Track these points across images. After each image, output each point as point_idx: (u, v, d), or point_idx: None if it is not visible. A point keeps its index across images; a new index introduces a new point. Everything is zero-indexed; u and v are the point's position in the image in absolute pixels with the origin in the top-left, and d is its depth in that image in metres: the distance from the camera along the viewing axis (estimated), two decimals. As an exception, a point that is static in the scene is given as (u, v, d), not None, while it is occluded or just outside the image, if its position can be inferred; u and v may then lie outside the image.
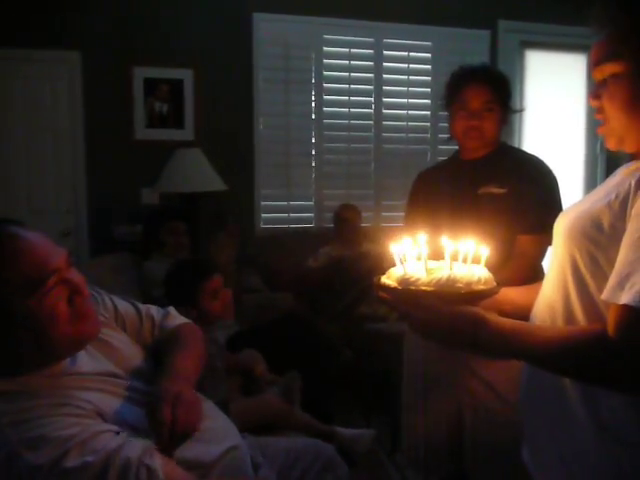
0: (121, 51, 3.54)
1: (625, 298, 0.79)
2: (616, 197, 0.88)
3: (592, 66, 0.95)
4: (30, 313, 0.94)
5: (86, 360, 1.07)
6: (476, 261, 1.05)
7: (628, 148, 0.95)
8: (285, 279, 3.40)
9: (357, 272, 3.28)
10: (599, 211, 0.90)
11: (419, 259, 1.04)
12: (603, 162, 4.36)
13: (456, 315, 0.94)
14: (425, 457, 1.69)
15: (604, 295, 0.84)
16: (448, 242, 1.03)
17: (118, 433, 0.95)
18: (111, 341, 1.17)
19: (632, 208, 0.85)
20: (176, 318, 1.36)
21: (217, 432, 1.21)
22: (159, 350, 1.23)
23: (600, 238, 0.89)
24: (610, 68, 0.90)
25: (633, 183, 0.87)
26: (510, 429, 1.51)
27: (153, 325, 1.30)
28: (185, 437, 1.01)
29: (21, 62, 3.44)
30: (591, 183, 4.41)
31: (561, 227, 1.00)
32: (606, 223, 0.88)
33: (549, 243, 1.56)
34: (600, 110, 0.95)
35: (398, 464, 1.75)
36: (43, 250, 0.97)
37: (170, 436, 0.97)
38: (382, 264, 3.45)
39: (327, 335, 2.89)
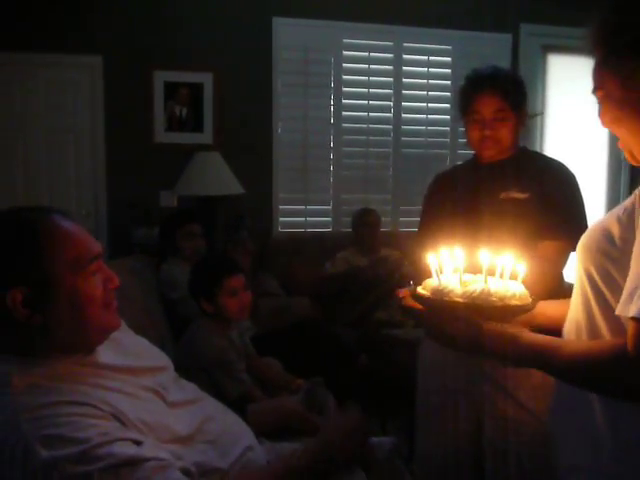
0: (142, 55, 3.58)
1: (632, 310, 0.79)
2: (624, 210, 0.90)
3: None
4: (74, 289, 1.00)
5: (102, 354, 1.09)
6: (513, 277, 1.05)
7: None
8: (302, 283, 3.39)
9: (374, 278, 3.26)
10: (610, 224, 0.92)
11: (455, 272, 1.05)
12: (627, 170, 4.28)
13: (492, 332, 0.98)
14: (441, 468, 1.66)
15: (617, 309, 0.84)
16: (485, 256, 1.04)
17: (139, 443, 0.95)
18: (124, 340, 1.19)
19: (638, 217, 0.85)
20: None
21: (230, 434, 1.21)
22: None
23: (613, 252, 0.89)
24: (598, 94, 0.96)
25: (638, 193, 0.89)
26: (531, 436, 1.48)
27: None
28: None
29: (43, 66, 3.50)
30: (614, 191, 4.33)
31: (578, 245, 1.01)
32: (617, 236, 0.89)
33: (572, 249, 1.54)
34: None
35: (415, 473, 1.72)
36: (87, 236, 1.07)
37: None
38: (400, 269, 3.44)
39: (343, 340, 2.88)
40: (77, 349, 1.05)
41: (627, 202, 0.92)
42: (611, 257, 0.90)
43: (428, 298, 1.03)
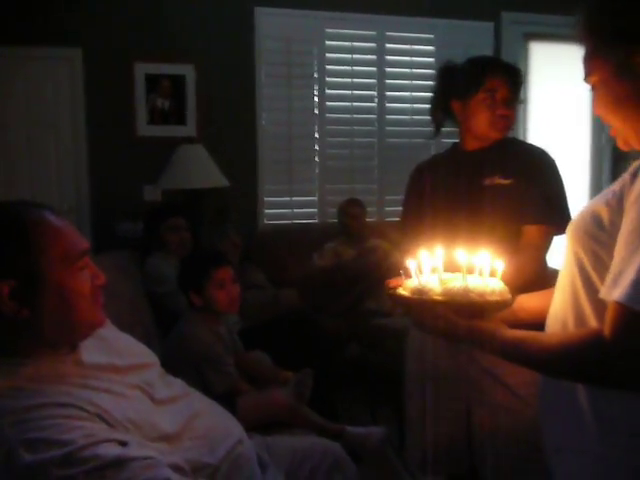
0: (122, 47, 3.52)
1: (615, 295, 0.79)
2: (613, 193, 0.90)
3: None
4: (63, 283, 1.01)
5: (86, 352, 1.08)
6: (492, 275, 1.06)
7: (636, 146, 0.96)
8: (290, 276, 3.38)
9: (362, 268, 3.26)
10: (599, 208, 0.91)
11: (434, 271, 1.06)
12: (609, 153, 4.33)
13: (471, 329, 0.99)
14: (432, 455, 1.68)
15: (601, 293, 0.84)
16: (463, 255, 1.05)
17: (124, 444, 0.94)
18: (108, 337, 1.18)
19: (626, 201, 0.85)
20: None
21: (219, 430, 1.21)
22: None
23: (602, 236, 0.89)
24: (590, 81, 0.96)
25: (627, 177, 0.89)
26: (520, 422, 1.49)
27: None
28: None
29: (22, 59, 3.43)
30: (597, 175, 4.38)
31: (568, 229, 1.01)
32: (606, 220, 0.89)
33: (554, 233, 1.56)
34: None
35: (406, 462, 1.73)
36: (76, 232, 1.08)
37: None
38: (387, 259, 3.44)
39: (332, 331, 2.88)
40: (61, 345, 1.04)
41: (616, 186, 0.91)
42: (600, 241, 0.90)
43: (408, 298, 1.04)
